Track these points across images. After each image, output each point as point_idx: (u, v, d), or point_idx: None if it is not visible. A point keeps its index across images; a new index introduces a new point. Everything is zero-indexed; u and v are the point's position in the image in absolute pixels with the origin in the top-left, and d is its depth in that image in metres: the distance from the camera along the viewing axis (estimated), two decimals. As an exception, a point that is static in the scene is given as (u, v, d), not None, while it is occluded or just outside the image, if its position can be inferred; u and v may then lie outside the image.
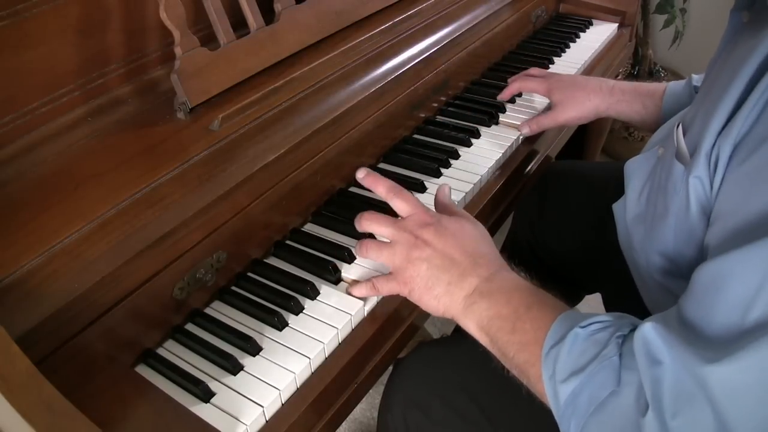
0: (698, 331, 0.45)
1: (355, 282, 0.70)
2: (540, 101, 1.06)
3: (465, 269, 0.62)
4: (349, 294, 0.69)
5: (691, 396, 0.42)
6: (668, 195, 0.59)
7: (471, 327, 0.60)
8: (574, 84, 0.96)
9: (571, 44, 1.25)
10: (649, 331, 0.46)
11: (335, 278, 0.71)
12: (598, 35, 1.29)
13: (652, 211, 0.64)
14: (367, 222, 0.67)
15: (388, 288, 0.66)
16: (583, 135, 1.49)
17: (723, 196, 0.50)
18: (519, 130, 0.97)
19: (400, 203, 0.67)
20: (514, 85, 1.02)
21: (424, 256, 0.63)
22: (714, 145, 0.51)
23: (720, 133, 0.50)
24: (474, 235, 0.66)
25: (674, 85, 0.90)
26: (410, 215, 0.66)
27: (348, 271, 0.72)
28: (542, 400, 0.53)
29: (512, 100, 1.06)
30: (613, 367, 0.47)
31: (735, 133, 0.49)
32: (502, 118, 1.01)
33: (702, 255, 0.52)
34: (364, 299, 0.68)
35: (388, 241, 0.66)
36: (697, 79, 0.88)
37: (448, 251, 0.63)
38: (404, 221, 0.66)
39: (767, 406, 0.40)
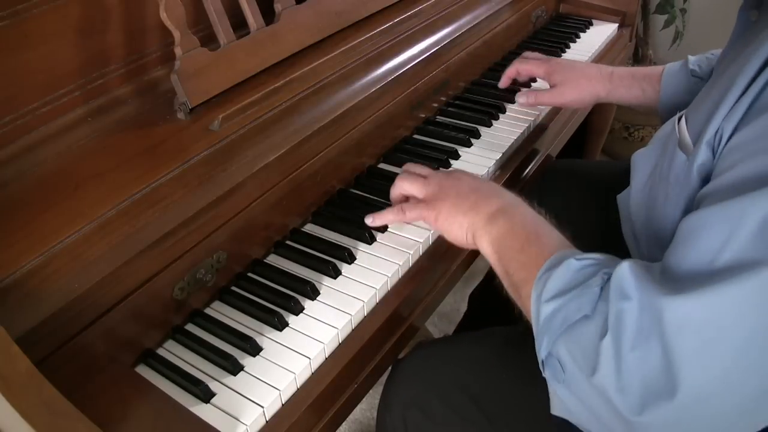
0: (669, 271, 0.47)
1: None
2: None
3: (491, 193, 0.69)
4: (370, 225, 0.74)
5: (648, 332, 0.44)
6: (670, 185, 0.60)
7: (485, 242, 0.65)
8: (573, 68, 0.97)
9: (572, 44, 1.25)
10: (625, 268, 0.49)
11: (335, 278, 0.71)
12: (598, 35, 1.29)
13: (653, 200, 0.65)
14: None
15: (415, 212, 0.71)
16: (583, 134, 1.50)
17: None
18: (517, 99, 1.00)
19: (418, 169, 0.76)
20: (511, 69, 1.03)
21: (454, 185, 0.70)
22: (717, 131, 0.52)
23: (724, 119, 0.52)
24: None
25: (671, 67, 0.91)
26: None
27: (349, 272, 0.72)
28: (527, 318, 0.57)
29: (512, 101, 1.05)
30: (593, 296, 0.50)
31: (737, 115, 0.50)
32: (502, 118, 1.01)
33: None
34: (363, 300, 0.68)
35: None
36: (693, 61, 0.89)
37: (476, 184, 0.71)
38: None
39: (716, 350, 0.42)
